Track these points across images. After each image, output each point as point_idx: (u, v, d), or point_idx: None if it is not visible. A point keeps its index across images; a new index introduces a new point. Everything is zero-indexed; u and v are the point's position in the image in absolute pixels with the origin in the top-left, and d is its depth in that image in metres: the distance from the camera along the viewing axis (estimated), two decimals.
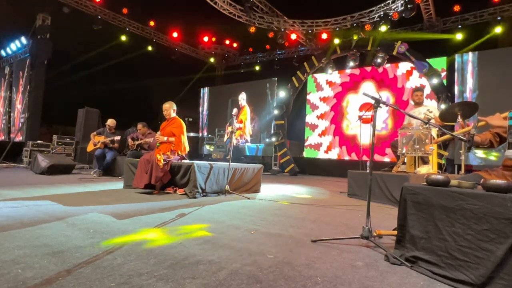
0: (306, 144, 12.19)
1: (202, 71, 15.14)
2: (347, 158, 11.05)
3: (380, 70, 10.53)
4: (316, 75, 12.03)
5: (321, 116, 11.91)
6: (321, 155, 11.68)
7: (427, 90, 8.92)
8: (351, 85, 11.35)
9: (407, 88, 10.16)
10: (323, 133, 11.78)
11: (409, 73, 10.23)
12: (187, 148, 4.79)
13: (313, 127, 12.08)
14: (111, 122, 7.12)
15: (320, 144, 11.82)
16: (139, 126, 6.67)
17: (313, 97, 12.20)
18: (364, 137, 8.92)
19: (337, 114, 11.52)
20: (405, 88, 10.25)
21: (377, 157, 10.16)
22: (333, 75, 11.57)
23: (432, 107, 4.94)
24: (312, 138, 12.06)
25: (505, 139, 1.97)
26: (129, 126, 8.81)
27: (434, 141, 4.22)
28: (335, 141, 11.44)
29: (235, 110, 5.40)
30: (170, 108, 4.78)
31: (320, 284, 1.49)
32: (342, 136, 11.33)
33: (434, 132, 4.44)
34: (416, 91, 5.06)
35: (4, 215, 2.61)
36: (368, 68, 10.95)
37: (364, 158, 9.61)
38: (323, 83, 11.99)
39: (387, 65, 10.43)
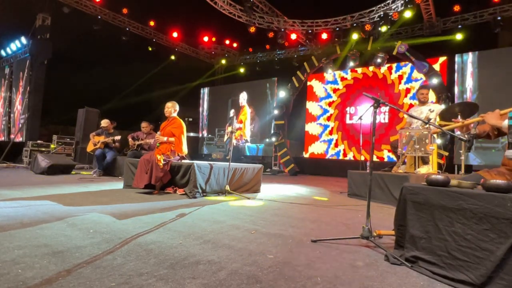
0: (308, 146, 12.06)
1: (202, 71, 15.13)
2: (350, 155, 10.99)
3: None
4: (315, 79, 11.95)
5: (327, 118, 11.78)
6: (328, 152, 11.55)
7: None
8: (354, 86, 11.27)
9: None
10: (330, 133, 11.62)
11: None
12: (186, 151, 4.77)
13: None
14: (105, 123, 7.09)
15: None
16: (143, 124, 6.68)
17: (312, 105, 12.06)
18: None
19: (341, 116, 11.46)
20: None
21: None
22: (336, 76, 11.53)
23: (434, 106, 4.75)
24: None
25: (504, 134, 2.00)
26: (129, 126, 8.82)
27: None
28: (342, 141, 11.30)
29: (232, 111, 5.37)
30: (172, 107, 4.77)
31: (320, 284, 1.49)
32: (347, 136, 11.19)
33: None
34: (421, 89, 4.87)
35: (4, 215, 2.61)
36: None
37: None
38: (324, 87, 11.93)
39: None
